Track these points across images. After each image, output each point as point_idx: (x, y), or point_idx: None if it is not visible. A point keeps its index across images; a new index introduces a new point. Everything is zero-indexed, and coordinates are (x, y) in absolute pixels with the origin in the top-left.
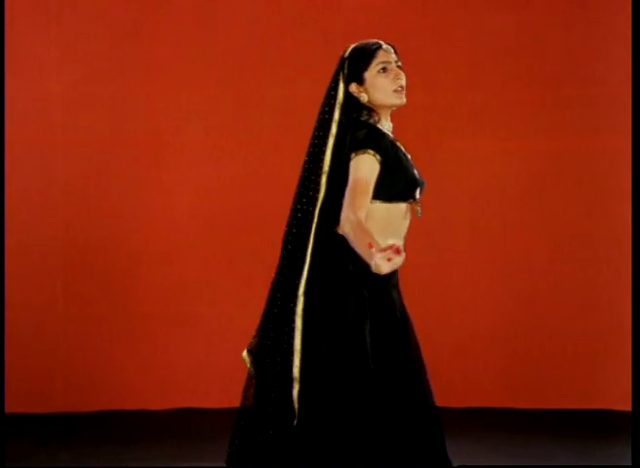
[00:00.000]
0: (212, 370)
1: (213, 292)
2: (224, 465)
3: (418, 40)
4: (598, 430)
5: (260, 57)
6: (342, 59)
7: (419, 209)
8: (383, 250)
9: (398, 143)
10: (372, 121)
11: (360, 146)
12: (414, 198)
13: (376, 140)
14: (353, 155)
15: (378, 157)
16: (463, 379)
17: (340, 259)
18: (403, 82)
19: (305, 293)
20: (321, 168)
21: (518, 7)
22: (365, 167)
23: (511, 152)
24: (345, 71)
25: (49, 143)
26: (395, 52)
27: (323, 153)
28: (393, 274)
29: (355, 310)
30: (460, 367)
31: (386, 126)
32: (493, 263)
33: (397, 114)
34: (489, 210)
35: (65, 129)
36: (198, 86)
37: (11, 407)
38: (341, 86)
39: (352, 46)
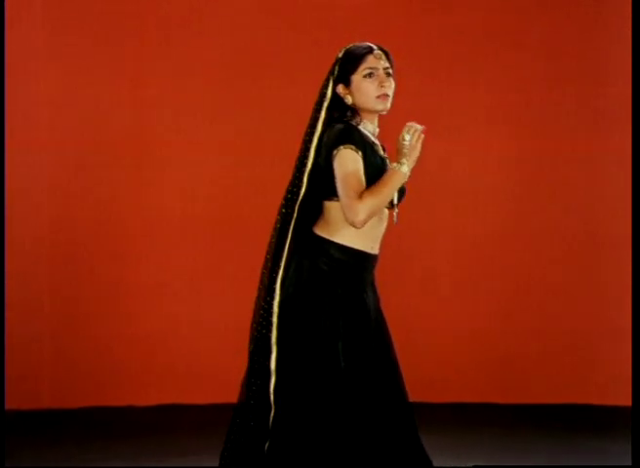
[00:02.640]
0: (197, 368)
1: (198, 290)
2: (209, 459)
3: (405, 39)
4: (580, 424)
5: (249, 57)
6: (336, 60)
7: (395, 215)
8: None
9: (377, 147)
10: (353, 122)
11: (340, 142)
12: (390, 203)
13: (352, 137)
14: (335, 152)
15: (359, 153)
16: (448, 375)
17: (315, 259)
18: (388, 90)
19: (281, 287)
20: (305, 165)
21: (511, 5)
22: (350, 161)
23: (507, 152)
24: (335, 72)
25: (34, 143)
26: (388, 59)
27: (309, 150)
28: (368, 272)
29: (328, 310)
30: (444, 362)
31: (369, 128)
32: (478, 261)
33: (381, 115)
34: (475, 207)
35: (51, 129)
36: (185, 86)
37: None
38: (331, 85)
39: (346, 47)
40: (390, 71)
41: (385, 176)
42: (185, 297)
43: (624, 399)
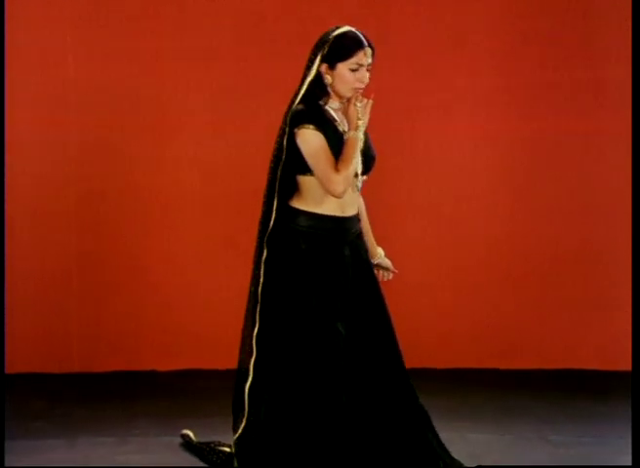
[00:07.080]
0: (216, 334)
1: (217, 259)
2: (226, 422)
3: (404, 21)
4: (578, 389)
5: (263, 35)
6: (327, 39)
7: (358, 183)
8: (355, 127)
9: (337, 123)
10: (321, 102)
11: (299, 122)
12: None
13: (310, 117)
14: (296, 130)
15: (320, 131)
16: (445, 340)
17: (287, 226)
18: (364, 85)
19: (267, 245)
20: (282, 138)
21: None
22: (312, 140)
23: (505, 133)
24: (325, 51)
25: (63, 121)
26: (372, 55)
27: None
28: (345, 232)
29: (301, 270)
30: (441, 328)
31: (335, 105)
32: (476, 233)
33: (382, 97)
34: (472, 186)
35: (76, 105)
36: (204, 62)
37: (32, 367)
38: (317, 62)
39: (340, 31)
40: (370, 67)
41: (348, 145)
42: (205, 266)
43: (621, 363)
